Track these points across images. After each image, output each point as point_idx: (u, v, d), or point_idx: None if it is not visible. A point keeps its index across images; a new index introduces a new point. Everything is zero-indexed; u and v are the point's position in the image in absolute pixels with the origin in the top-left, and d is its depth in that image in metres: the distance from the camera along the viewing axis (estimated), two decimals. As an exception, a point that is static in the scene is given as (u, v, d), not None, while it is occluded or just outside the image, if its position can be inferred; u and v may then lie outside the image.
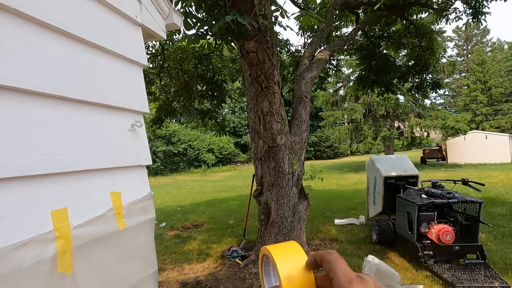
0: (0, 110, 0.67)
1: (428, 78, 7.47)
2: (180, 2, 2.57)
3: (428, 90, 7.51)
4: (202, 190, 13.58)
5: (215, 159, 27.82)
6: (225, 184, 15.65)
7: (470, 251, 3.50)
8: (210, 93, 7.00)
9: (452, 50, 40.03)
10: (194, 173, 25.28)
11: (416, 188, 4.10)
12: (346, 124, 21.60)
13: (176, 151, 26.50)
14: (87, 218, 0.85)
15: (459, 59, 37.16)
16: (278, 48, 4.49)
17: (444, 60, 16.54)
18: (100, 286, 0.88)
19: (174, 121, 30.13)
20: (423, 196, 3.71)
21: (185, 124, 29.18)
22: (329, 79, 10.12)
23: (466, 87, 31.53)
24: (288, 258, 0.39)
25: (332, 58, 7.47)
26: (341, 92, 21.20)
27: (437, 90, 7.56)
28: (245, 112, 28.64)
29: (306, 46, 6.42)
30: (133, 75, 1.11)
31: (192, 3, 2.82)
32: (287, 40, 7.55)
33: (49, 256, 0.72)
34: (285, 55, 7.61)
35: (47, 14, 0.77)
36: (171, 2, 1.40)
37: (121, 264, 0.96)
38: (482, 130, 23.57)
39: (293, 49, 7.59)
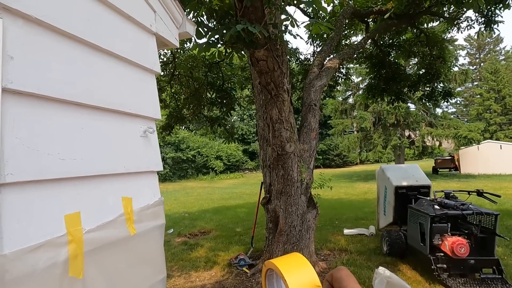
0: (20, 115, 0.69)
1: (439, 87, 7.37)
2: (192, 12, 2.63)
3: (439, 99, 7.40)
4: (210, 197, 13.59)
5: (223, 166, 27.88)
6: (232, 191, 15.63)
7: (486, 265, 3.37)
8: (219, 100, 7.07)
9: (464, 59, 39.50)
10: (202, 180, 25.36)
11: (428, 198, 4.00)
12: (355, 132, 21.42)
13: (184, 158, 26.70)
14: (99, 223, 0.85)
15: (471, 67, 36.61)
16: (288, 57, 4.52)
17: (455, 69, 16.33)
18: (110, 291, 0.88)
19: (183, 128, 30.48)
20: (436, 207, 3.62)
21: (194, 131, 29.47)
22: (338, 87, 10.10)
23: (479, 96, 30.94)
24: (295, 270, 0.38)
25: (341, 66, 7.47)
26: (350, 100, 21.10)
27: (449, 99, 7.45)
28: (254, 120, 28.77)
29: (316, 55, 6.44)
30: (146, 82, 1.13)
31: (204, 13, 2.88)
32: (297, 48, 7.60)
33: (62, 259, 0.73)
34: (294, 63, 7.65)
35: (67, 23, 0.80)
36: (184, 11, 1.44)
37: (130, 269, 0.96)
38: (496, 140, 22.96)
39: (302, 57, 7.63)
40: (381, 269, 3.46)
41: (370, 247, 5.09)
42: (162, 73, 7.71)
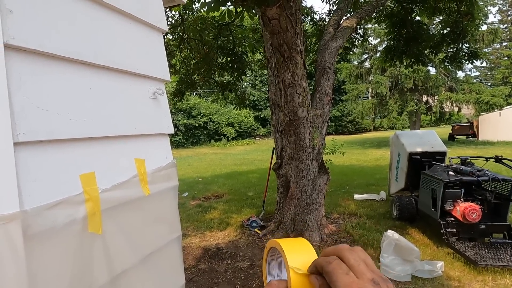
0: (26, 74, 0.68)
1: (464, 47, 6.85)
2: (200, -35, 2.45)
3: (464, 61, 6.91)
4: (222, 163, 13.88)
5: (234, 132, 28.04)
6: (244, 157, 15.87)
7: (497, 230, 3.39)
8: (230, 65, 6.88)
9: (495, 16, 36.26)
10: (215, 146, 25.76)
11: (443, 164, 3.93)
12: (370, 98, 20.75)
13: (196, 125, 26.92)
14: (113, 183, 0.87)
15: (501, 26, 33.65)
16: (302, 16, 4.24)
17: (484, 28, 15.06)
18: (129, 247, 0.92)
19: (194, 94, 30.30)
20: (450, 173, 3.56)
21: (205, 98, 29.31)
22: (354, 50, 9.59)
23: (506, 58, 28.83)
24: (297, 252, 0.38)
25: (359, 26, 7.00)
26: (367, 64, 20.14)
27: (474, 61, 6.95)
28: (266, 86, 28.18)
29: (332, 13, 6.04)
30: (153, 41, 1.08)
31: (212, -33, 2.68)
32: (311, 7, 7.12)
33: (80, 216, 0.76)
34: (308, 24, 7.22)
35: (65, -27, 0.74)
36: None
37: (147, 227, 1.00)
38: (521, 105, 21.77)
39: (317, 17, 7.18)
40: (390, 232, 3.52)
41: (380, 211, 5.17)
42: (170, 37, 7.48)
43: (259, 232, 4.43)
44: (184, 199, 6.95)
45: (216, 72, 7.24)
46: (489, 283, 2.84)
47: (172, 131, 1.14)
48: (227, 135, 27.72)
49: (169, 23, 6.94)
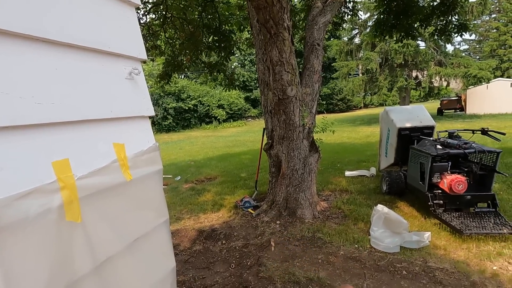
0: (-21, 54, 0.61)
1: (453, 20, 6.77)
2: None
3: (453, 33, 6.86)
4: (214, 146, 13.83)
5: (225, 114, 27.78)
6: (236, 139, 15.83)
7: (481, 200, 3.50)
8: (217, 44, 6.66)
9: (484, -13, 35.76)
10: (206, 129, 25.57)
11: (431, 138, 3.98)
12: (360, 75, 20.65)
13: (186, 108, 26.50)
14: (91, 169, 0.83)
15: (491, -3, 33.32)
16: (289, -10, 4.07)
17: (473, -1, 14.87)
18: (112, 233, 0.90)
19: (182, 76, 29.61)
20: (438, 146, 3.62)
21: (194, 79, 28.69)
22: (344, 25, 9.37)
23: (495, 30, 28.85)
24: None
25: (348, 0, 6.81)
26: (357, 40, 19.85)
27: (463, 33, 6.90)
28: (255, 65, 27.68)
29: (320, -13, 5.82)
30: (125, 16, 1.00)
31: None
32: (299, -20, 6.86)
33: (56, 205, 0.72)
34: (296, -2, 6.98)
35: None
36: None
37: (131, 213, 0.98)
38: (507, 78, 22.07)
39: (305, -9, 6.92)
40: (379, 207, 3.61)
41: (370, 187, 5.28)
42: (153, 16, 7.15)
43: (252, 212, 4.49)
44: (177, 183, 6.94)
45: (203, 53, 7.02)
46: (473, 250, 2.97)
47: (153, 113, 1.09)
48: (218, 117, 27.46)
49: (151, 1, 6.60)
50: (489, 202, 3.47)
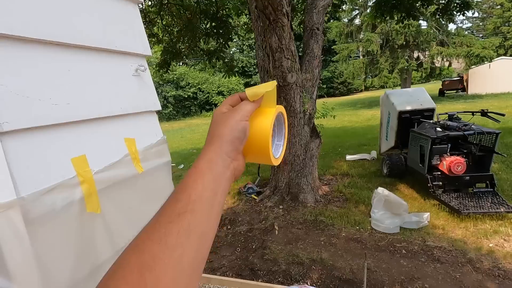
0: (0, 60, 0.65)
1: (456, -2, 6.62)
2: None
3: (455, 12, 6.73)
4: (215, 133, 13.84)
5: (225, 101, 27.60)
6: (237, 126, 15.82)
7: (480, 180, 3.57)
8: (215, 30, 6.57)
9: (489, -39, 34.53)
10: (206, 117, 25.54)
11: (431, 121, 4.01)
12: (361, 57, 20.35)
13: (186, 96, 26.35)
14: (106, 164, 0.89)
15: (495, -28, 32.22)
16: (286, -28, 3.99)
17: (477, -25, 14.39)
18: (128, 223, 0.97)
19: (181, 64, 29.28)
20: (438, 129, 3.66)
21: (192, 66, 28.38)
22: (343, 7, 9.18)
23: (499, 7, 28.08)
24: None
25: (347, -20, 6.64)
26: (357, 21, 19.43)
27: (466, 11, 6.77)
28: (254, 50, 27.23)
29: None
30: (128, 14, 1.03)
31: None
32: (297, -39, 6.68)
33: (77, 198, 0.78)
34: (294, -20, 6.81)
35: None
36: None
37: (144, 204, 1.04)
38: (511, 56, 21.69)
39: (303, -28, 6.75)
40: (380, 189, 3.69)
41: (371, 170, 5.36)
42: (149, 3, 7.02)
43: (255, 197, 4.59)
44: (181, 171, 7.05)
45: (201, 40, 6.93)
46: (471, 228, 3.07)
47: (159, 108, 1.14)
48: (218, 104, 27.31)
49: (146, -13, 6.47)
50: (487, 182, 3.54)
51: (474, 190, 3.54)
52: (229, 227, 3.89)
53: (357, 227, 3.41)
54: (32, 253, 0.64)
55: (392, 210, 3.39)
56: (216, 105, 27.29)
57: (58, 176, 0.75)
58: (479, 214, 3.19)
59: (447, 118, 3.93)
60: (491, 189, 3.48)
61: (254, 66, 28.84)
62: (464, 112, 3.95)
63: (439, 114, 4.00)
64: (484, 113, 3.71)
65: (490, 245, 2.78)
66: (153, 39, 7.33)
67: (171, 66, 7.72)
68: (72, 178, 0.78)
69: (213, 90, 27.31)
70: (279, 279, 2.77)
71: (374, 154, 6.18)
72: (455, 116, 3.84)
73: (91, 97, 0.88)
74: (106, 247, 0.86)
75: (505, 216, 3.18)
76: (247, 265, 3.04)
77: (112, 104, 0.94)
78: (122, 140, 0.98)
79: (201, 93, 26.96)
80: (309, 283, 2.67)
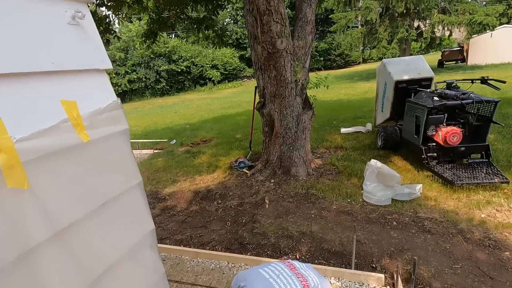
0: None
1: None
2: None
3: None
4: (209, 108, 13.59)
5: (220, 75, 26.90)
6: (231, 100, 15.52)
7: (475, 151, 3.48)
8: (203, -4, 6.12)
9: None
10: (201, 91, 24.98)
11: (428, 90, 3.84)
12: (359, 27, 19.58)
13: (179, 70, 25.55)
14: (33, 131, 0.73)
15: None
16: None
17: None
18: (73, 199, 0.83)
19: (172, 36, 28.14)
20: (435, 98, 3.50)
21: (184, 39, 27.28)
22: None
23: (505, -30, 26.70)
24: None
25: None
26: (356, -13, 18.42)
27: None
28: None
29: None
30: None
31: None
32: None
33: (-9, 171, 0.64)
34: None
35: None
36: None
37: (94, 177, 0.91)
38: (513, 24, 20.94)
39: None
40: (373, 161, 3.59)
41: (365, 143, 5.25)
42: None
43: (247, 172, 4.51)
44: (173, 147, 6.92)
45: (188, 6, 6.48)
46: (463, 199, 3.02)
47: (109, 66, 0.96)
48: (213, 78, 26.63)
49: None
50: (482, 152, 3.46)
51: (469, 161, 3.46)
52: (219, 201, 3.83)
53: (349, 200, 3.36)
54: None
55: (384, 182, 3.32)
56: (210, 79, 26.64)
57: (-42, 143, 0.60)
58: (472, 185, 3.13)
59: (445, 87, 3.75)
60: (486, 160, 3.40)
61: (249, 38, 27.79)
62: (463, 80, 3.76)
63: (437, 83, 3.82)
64: (484, 81, 3.54)
65: (482, 215, 2.73)
66: (138, 7, 6.85)
67: (160, 38, 7.30)
68: (-18, 146, 0.63)
69: (207, 64, 26.47)
70: (268, 252, 2.74)
71: (369, 126, 6.05)
72: (454, 84, 3.66)
73: (8, 47, 0.70)
74: (41, 227, 0.73)
75: (498, 187, 3.13)
76: (237, 239, 3.00)
77: (39, 58, 0.77)
78: (59, 103, 0.82)
79: (194, 67, 26.14)
80: (297, 256, 2.64)
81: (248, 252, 2.79)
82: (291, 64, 3.54)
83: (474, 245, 2.39)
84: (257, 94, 4.60)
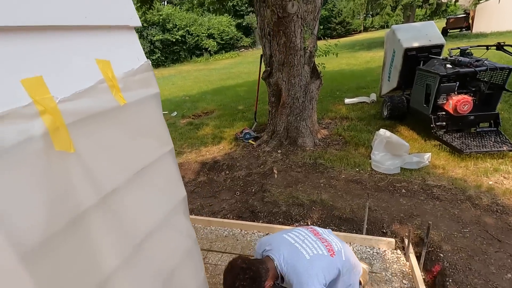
0: None
1: None
2: None
3: None
4: (207, 79, 13.27)
5: (216, 45, 26.00)
6: (230, 71, 15.13)
7: (484, 119, 3.47)
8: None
9: None
10: (197, 62, 24.26)
11: (441, 57, 3.73)
12: (362, -8, 18.66)
13: (174, 40, 24.60)
14: (74, 91, 0.68)
15: None
16: None
17: None
18: (114, 164, 0.81)
19: (165, 3, 26.72)
20: (448, 66, 3.41)
21: (178, 6, 25.95)
22: None
23: None
24: None
25: None
26: None
27: None
28: (245, -14, 24.77)
29: None
30: None
31: None
32: None
33: (39, 133, 0.60)
34: None
35: None
36: None
37: (130, 142, 0.87)
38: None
39: None
40: (381, 131, 3.57)
41: (371, 113, 5.22)
42: None
43: (253, 143, 4.50)
44: (174, 119, 6.83)
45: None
46: (471, 167, 3.06)
47: (139, 24, 0.89)
48: (209, 48, 25.76)
49: None
50: (491, 121, 3.45)
51: (477, 130, 3.47)
52: (227, 172, 3.86)
53: (357, 169, 3.39)
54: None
55: (393, 151, 3.33)
56: (206, 49, 25.77)
57: (3, 103, 0.55)
58: (481, 153, 3.15)
59: (458, 53, 3.64)
60: (495, 128, 3.40)
61: (246, 5, 26.48)
62: (478, 46, 3.65)
63: (451, 49, 3.70)
64: (500, 47, 3.43)
65: (490, 182, 2.78)
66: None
67: (155, 3, 6.90)
68: (27, 106, 0.59)
69: (202, 33, 25.45)
70: (280, 220, 2.81)
71: (373, 97, 5.97)
72: (467, 51, 3.56)
73: (39, -4, 0.63)
74: (88, 192, 0.71)
75: (506, 155, 3.16)
76: (247, 207, 3.05)
77: (72, 11, 0.70)
78: (93, 61, 0.76)
79: (189, 36, 25.14)
80: (309, 223, 2.70)
81: (260, 220, 2.85)
82: (301, 29, 3.39)
83: (482, 211, 2.46)
84: (262, 63, 4.45)
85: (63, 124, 0.65)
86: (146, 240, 0.92)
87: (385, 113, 4.73)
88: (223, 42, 26.60)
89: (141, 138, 0.91)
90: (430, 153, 3.26)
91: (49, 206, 0.61)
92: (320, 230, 1.64)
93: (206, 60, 24.84)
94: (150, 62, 0.94)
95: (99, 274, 0.72)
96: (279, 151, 4.08)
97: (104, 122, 0.77)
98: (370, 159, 3.45)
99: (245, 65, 16.78)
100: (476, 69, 3.21)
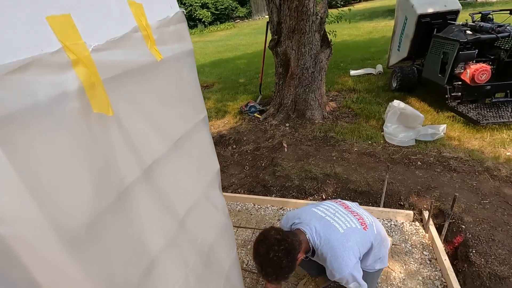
0: None
1: None
2: None
3: None
4: (203, 52, 12.75)
5: (211, 16, 24.81)
6: (227, 43, 14.53)
7: (501, 89, 3.36)
8: None
9: None
10: (191, 34, 23.21)
11: (460, 23, 3.53)
12: (365, -43, 17.64)
13: (166, 9, 23.31)
14: (107, 38, 0.54)
15: None
16: None
17: None
18: (153, 132, 0.68)
19: (155, -31, 25.05)
20: (468, 32, 3.23)
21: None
22: None
23: None
24: None
25: None
26: None
27: None
28: (240, -50, 23.23)
29: None
30: None
31: None
32: None
33: (73, 88, 0.47)
34: None
35: None
36: None
37: (168, 107, 0.74)
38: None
39: None
40: (395, 102, 3.44)
41: (378, 84, 5.06)
42: None
43: (259, 116, 4.36)
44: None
45: None
46: (487, 138, 3.00)
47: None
48: (203, 19, 24.59)
49: None
50: (508, 91, 3.34)
51: (493, 100, 3.37)
52: (234, 146, 3.75)
53: (370, 142, 3.31)
54: (14, 173, 0.36)
55: (406, 123, 3.24)
56: (200, 20, 24.61)
57: (27, 45, 0.41)
58: (498, 124, 3.07)
59: (479, 18, 3.44)
60: (511, 99, 3.30)
61: (241, -29, 24.93)
62: (501, 10, 3.44)
63: (473, 14, 3.49)
64: (524, 11, 3.24)
65: (508, 153, 2.73)
66: None
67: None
68: (56, 52, 0.45)
69: (196, 3, 24.14)
70: (293, 193, 2.75)
71: (380, 68, 5.78)
72: (489, 16, 3.36)
73: None
74: (131, 164, 0.60)
75: (522, 126, 3.09)
76: (259, 182, 2.98)
77: None
78: (126, 3, 0.61)
79: (182, 5, 23.82)
80: (323, 197, 2.66)
81: (272, 194, 2.80)
82: (313, -8, 3.14)
83: (501, 182, 2.42)
84: (269, 31, 4.19)
85: (99, 80, 0.52)
86: (187, 216, 0.82)
87: (394, 84, 4.58)
88: (218, 12, 25.36)
89: (178, 103, 0.78)
90: (445, 125, 3.18)
91: (94, 181, 0.50)
92: (349, 203, 1.57)
93: (200, 32, 23.79)
94: (184, 11, 0.79)
95: (147, 256, 0.63)
96: (287, 125, 3.96)
97: (142, 81, 0.63)
98: (383, 131, 3.36)
99: (241, 37, 16.13)
100: (499, 35, 3.04)
